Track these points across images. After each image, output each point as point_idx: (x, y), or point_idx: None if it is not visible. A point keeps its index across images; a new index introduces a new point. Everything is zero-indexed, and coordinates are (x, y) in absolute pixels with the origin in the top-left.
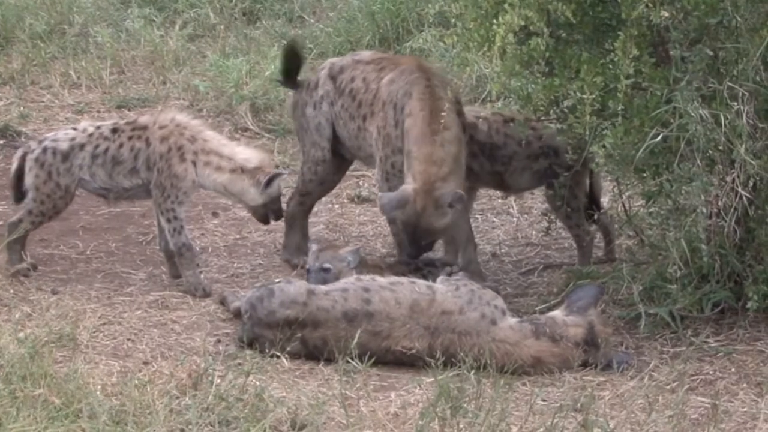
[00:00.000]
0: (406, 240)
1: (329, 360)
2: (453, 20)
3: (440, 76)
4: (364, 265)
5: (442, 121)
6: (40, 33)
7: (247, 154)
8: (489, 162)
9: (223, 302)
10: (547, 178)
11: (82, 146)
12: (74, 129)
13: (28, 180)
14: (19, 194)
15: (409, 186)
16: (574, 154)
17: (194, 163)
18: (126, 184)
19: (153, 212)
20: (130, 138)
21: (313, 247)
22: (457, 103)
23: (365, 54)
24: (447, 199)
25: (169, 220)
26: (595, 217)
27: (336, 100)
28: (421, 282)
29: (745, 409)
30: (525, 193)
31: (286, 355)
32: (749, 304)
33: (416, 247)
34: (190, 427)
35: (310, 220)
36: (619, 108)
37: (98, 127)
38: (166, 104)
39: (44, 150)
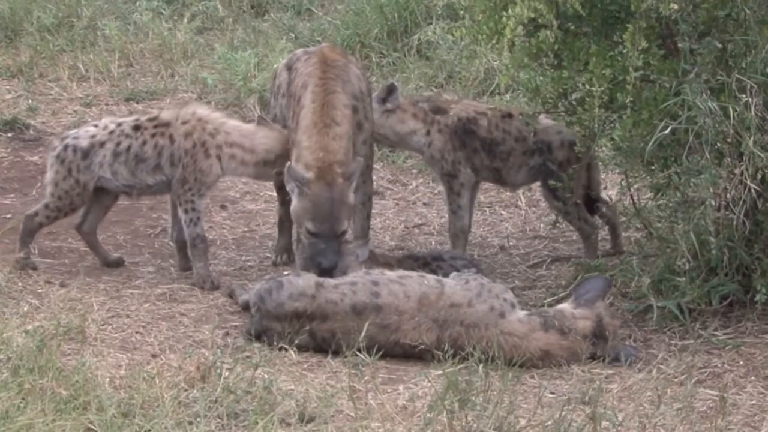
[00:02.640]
0: (322, 235)
1: (337, 353)
2: (461, 12)
3: (342, 68)
4: (374, 262)
5: (333, 115)
6: (48, 26)
7: (268, 143)
8: (488, 158)
9: (231, 295)
10: (541, 174)
11: (102, 144)
12: (95, 126)
13: (48, 176)
14: None
15: (306, 174)
16: (582, 147)
17: (219, 158)
18: (150, 181)
19: (161, 205)
20: (153, 135)
21: None
22: (356, 99)
23: (320, 45)
24: (351, 170)
25: (186, 211)
26: (603, 210)
27: (286, 92)
28: (430, 276)
29: (753, 402)
30: (521, 188)
31: (295, 348)
32: (757, 297)
33: (336, 243)
34: (198, 419)
35: None
36: (628, 100)
37: (119, 124)
38: (174, 97)
39: (65, 147)
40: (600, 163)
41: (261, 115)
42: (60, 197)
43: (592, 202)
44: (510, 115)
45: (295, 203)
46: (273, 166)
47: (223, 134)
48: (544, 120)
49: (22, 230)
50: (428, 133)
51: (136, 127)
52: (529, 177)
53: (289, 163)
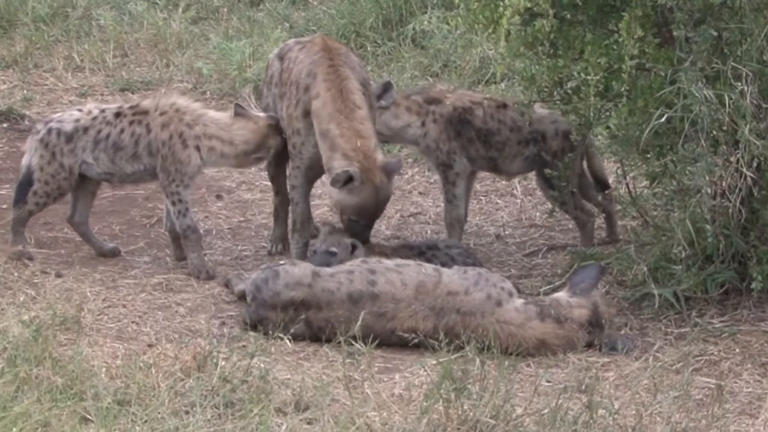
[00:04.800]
0: (363, 223)
1: (333, 341)
2: (457, 2)
3: (345, 55)
4: (369, 251)
5: (353, 99)
6: (43, 16)
7: (245, 134)
8: (484, 148)
9: (227, 285)
10: (536, 164)
11: (86, 129)
12: (79, 110)
13: (33, 161)
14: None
15: (349, 167)
16: (578, 135)
17: (198, 148)
18: (128, 169)
19: (156, 195)
20: (131, 123)
21: (325, 229)
22: (363, 86)
23: (314, 35)
24: (395, 167)
25: (174, 203)
26: (599, 198)
27: (278, 81)
28: (428, 265)
29: (749, 390)
30: (517, 176)
31: (290, 337)
32: (753, 285)
33: (370, 227)
34: (194, 409)
35: (313, 203)
36: (624, 89)
37: (102, 111)
38: (170, 87)
39: (49, 131)
40: (596, 151)
41: (237, 103)
42: (47, 182)
43: (598, 188)
44: (505, 105)
45: (340, 194)
46: (253, 155)
47: (201, 126)
48: (539, 109)
49: (13, 220)
50: (423, 124)
51: (117, 114)
52: (525, 166)
53: (328, 176)
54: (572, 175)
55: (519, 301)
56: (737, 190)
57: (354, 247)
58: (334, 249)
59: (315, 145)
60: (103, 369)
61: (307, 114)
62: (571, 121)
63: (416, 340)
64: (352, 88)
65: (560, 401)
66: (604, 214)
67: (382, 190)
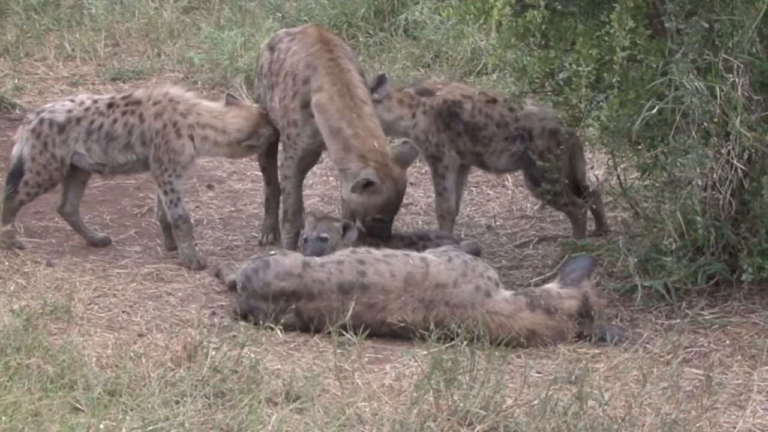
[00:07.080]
0: (387, 219)
1: (323, 331)
2: None
3: (341, 47)
4: (361, 240)
5: (358, 94)
6: (35, 5)
7: (238, 122)
8: (471, 142)
9: (218, 275)
10: (523, 162)
11: (78, 120)
12: (72, 101)
13: (25, 151)
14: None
15: (365, 169)
16: (569, 126)
17: (192, 137)
18: (121, 159)
19: (147, 184)
20: (123, 113)
21: (310, 218)
22: (361, 75)
23: (305, 25)
24: (410, 155)
25: (166, 192)
26: (584, 198)
27: (267, 72)
28: (414, 254)
29: (738, 381)
30: (505, 174)
31: (281, 327)
32: (744, 277)
33: (392, 222)
34: (184, 398)
35: (304, 192)
36: (615, 80)
37: (95, 101)
38: (161, 77)
39: (41, 121)
40: (587, 142)
41: (229, 93)
42: (38, 172)
43: (574, 192)
44: (494, 101)
45: (361, 198)
46: (245, 143)
47: (194, 115)
48: (529, 106)
49: (3, 209)
50: (413, 115)
51: (110, 105)
52: (512, 164)
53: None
54: (564, 167)
55: (508, 292)
56: (728, 182)
57: (345, 229)
58: (325, 234)
59: (311, 136)
60: (94, 359)
61: (305, 105)
62: (561, 115)
63: (404, 325)
64: (355, 82)
65: (550, 392)
66: (591, 211)
67: (400, 182)
